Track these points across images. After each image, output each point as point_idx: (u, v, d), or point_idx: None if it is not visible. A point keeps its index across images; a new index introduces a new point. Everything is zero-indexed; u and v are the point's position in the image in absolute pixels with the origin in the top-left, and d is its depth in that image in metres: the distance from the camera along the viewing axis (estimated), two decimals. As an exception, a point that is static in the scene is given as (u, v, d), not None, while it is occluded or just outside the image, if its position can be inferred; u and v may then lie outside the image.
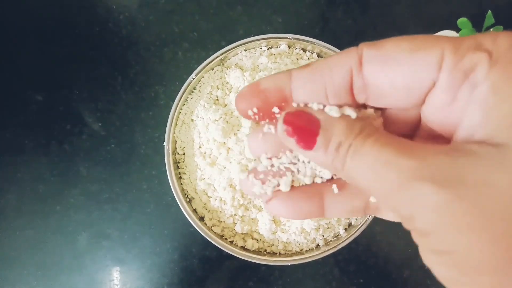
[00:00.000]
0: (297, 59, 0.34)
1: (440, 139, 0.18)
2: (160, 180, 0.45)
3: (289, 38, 0.33)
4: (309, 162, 0.21)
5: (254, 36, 0.34)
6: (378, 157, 0.16)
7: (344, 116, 0.19)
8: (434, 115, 0.18)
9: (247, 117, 0.20)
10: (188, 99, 0.33)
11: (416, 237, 0.16)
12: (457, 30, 0.44)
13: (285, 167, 0.21)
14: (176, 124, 0.33)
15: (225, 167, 0.31)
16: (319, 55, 0.34)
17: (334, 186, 0.21)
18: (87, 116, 0.46)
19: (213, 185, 0.32)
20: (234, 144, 0.30)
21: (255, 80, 0.18)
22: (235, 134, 0.31)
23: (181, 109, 0.33)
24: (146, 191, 0.45)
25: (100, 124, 0.46)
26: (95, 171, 0.46)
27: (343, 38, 0.47)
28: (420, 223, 0.15)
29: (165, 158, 0.32)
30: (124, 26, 0.47)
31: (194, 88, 0.34)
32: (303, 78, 0.19)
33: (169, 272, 0.45)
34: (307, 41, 0.33)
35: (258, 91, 0.20)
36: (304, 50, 0.34)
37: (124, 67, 0.47)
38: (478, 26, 0.44)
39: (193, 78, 0.32)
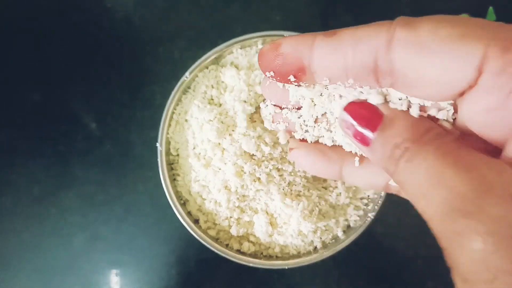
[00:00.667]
0: None
1: (483, 143, 0.16)
2: (156, 182, 0.44)
3: (286, 36, 0.32)
4: (318, 125, 0.21)
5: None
6: (432, 171, 0.14)
7: (411, 111, 0.17)
8: (477, 117, 0.15)
9: (267, 75, 0.20)
10: (182, 99, 0.33)
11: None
12: (459, 27, 0.43)
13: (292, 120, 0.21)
14: (170, 125, 0.32)
15: (220, 169, 0.30)
16: None
17: (356, 159, 0.20)
18: (81, 116, 0.46)
19: (207, 187, 0.31)
20: (229, 144, 0.29)
21: (277, 40, 0.17)
22: (230, 135, 0.30)
23: (175, 109, 0.32)
24: (142, 193, 0.45)
25: (95, 125, 0.45)
26: (90, 173, 0.45)
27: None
28: (460, 267, 0.13)
29: (158, 159, 0.31)
30: (119, 24, 0.47)
31: (189, 88, 0.33)
32: (325, 48, 0.17)
33: (165, 275, 0.45)
34: None
35: (277, 54, 0.19)
36: None
37: (119, 66, 0.46)
38: (480, 22, 0.43)
39: (187, 77, 0.31)
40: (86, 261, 0.44)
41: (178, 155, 0.33)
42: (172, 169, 0.33)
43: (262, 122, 0.29)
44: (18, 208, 0.45)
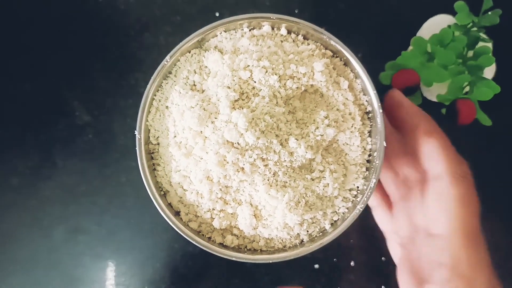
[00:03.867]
0: (281, 41, 0.31)
1: None
2: (139, 173, 0.43)
3: (273, 18, 0.30)
4: None
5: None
6: None
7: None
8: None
9: None
10: (162, 84, 0.31)
11: None
12: (454, 13, 0.42)
13: None
14: (149, 112, 0.30)
15: (201, 158, 0.28)
16: (305, 37, 0.32)
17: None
18: (63, 104, 0.44)
19: (189, 177, 0.29)
20: (211, 133, 0.28)
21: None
22: (212, 122, 0.28)
23: (155, 95, 0.31)
24: (125, 184, 0.43)
25: (77, 113, 0.44)
26: (71, 163, 0.43)
27: (335, 23, 0.45)
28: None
29: (137, 148, 0.29)
30: (102, 9, 0.45)
31: (170, 73, 0.31)
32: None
33: (150, 268, 0.43)
34: (292, 21, 0.30)
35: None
36: (289, 32, 0.32)
37: (102, 52, 0.44)
38: (475, 9, 0.41)
39: (167, 61, 0.30)
40: (66, 254, 0.43)
41: (158, 144, 0.31)
42: (152, 158, 0.31)
43: (248, 108, 0.28)
44: (-3, 199, 0.43)
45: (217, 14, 0.45)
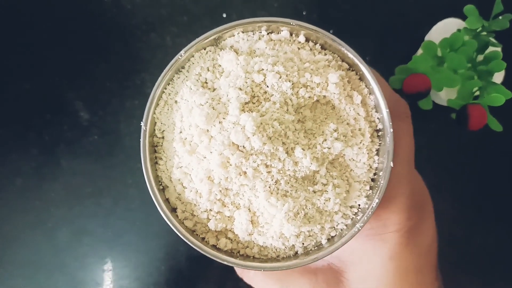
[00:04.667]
0: (298, 48, 0.31)
1: None
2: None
3: (292, 24, 0.30)
4: None
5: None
6: None
7: None
8: None
9: None
10: (174, 78, 0.30)
11: None
12: (463, 17, 0.41)
13: None
14: (158, 104, 0.30)
15: (205, 157, 0.28)
16: (322, 47, 0.31)
17: None
18: (68, 105, 0.43)
19: (190, 175, 0.29)
20: (217, 133, 0.27)
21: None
22: (220, 122, 0.28)
23: (165, 88, 0.30)
24: (131, 186, 0.43)
25: (82, 114, 0.43)
26: (76, 164, 0.43)
27: (342, 25, 0.44)
28: None
29: (141, 139, 0.28)
30: (108, 8, 0.44)
31: (182, 67, 0.30)
32: None
33: (155, 271, 0.43)
34: (311, 30, 0.30)
35: None
36: (307, 40, 0.31)
37: (108, 53, 0.44)
38: (485, 13, 0.41)
39: (181, 56, 0.29)
40: (71, 256, 0.42)
41: (163, 137, 0.30)
42: (155, 151, 0.30)
43: (257, 112, 0.27)
44: (0, 200, 0.43)
45: (224, 15, 0.45)
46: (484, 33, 0.41)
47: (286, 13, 0.45)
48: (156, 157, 0.30)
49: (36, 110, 0.43)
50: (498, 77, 0.42)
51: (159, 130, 0.30)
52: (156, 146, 0.30)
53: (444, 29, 0.43)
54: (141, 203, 0.43)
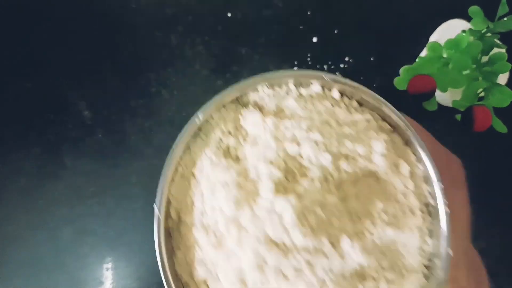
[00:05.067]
0: (332, 105, 0.26)
1: None
2: (150, 173, 0.42)
3: (325, 79, 0.25)
4: None
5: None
6: None
7: None
8: None
9: None
10: (190, 144, 0.25)
11: None
12: (468, 19, 0.41)
13: None
14: (173, 180, 0.24)
15: (234, 253, 0.22)
16: (359, 103, 0.26)
17: None
18: (72, 103, 0.43)
19: (216, 274, 0.23)
20: (249, 222, 0.22)
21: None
22: (250, 207, 0.22)
23: (181, 159, 0.24)
24: (135, 185, 0.43)
25: (86, 113, 0.43)
26: (80, 163, 0.43)
27: (347, 25, 0.44)
28: None
29: (155, 226, 0.23)
30: (113, 7, 0.44)
31: (199, 130, 0.25)
32: None
33: (157, 271, 0.42)
34: (346, 84, 0.25)
35: None
36: (342, 94, 0.26)
37: (112, 51, 0.44)
38: (491, 15, 0.41)
39: (200, 119, 0.24)
40: (73, 256, 0.42)
41: (179, 220, 0.25)
42: (169, 236, 0.25)
43: (294, 192, 0.22)
44: (3, 200, 0.43)
45: (229, 15, 0.45)
46: (489, 34, 0.41)
47: (291, 12, 0.45)
48: (172, 247, 0.25)
49: (41, 109, 0.43)
50: (503, 78, 0.42)
51: (175, 210, 0.25)
52: (171, 230, 0.25)
53: (449, 30, 0.43)
54: (145, 202, 0.42)
